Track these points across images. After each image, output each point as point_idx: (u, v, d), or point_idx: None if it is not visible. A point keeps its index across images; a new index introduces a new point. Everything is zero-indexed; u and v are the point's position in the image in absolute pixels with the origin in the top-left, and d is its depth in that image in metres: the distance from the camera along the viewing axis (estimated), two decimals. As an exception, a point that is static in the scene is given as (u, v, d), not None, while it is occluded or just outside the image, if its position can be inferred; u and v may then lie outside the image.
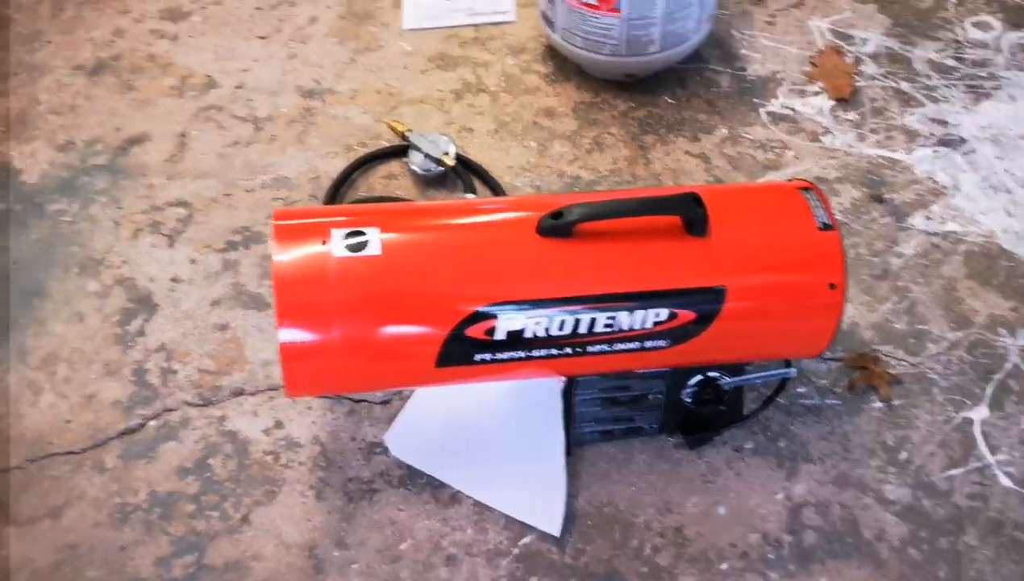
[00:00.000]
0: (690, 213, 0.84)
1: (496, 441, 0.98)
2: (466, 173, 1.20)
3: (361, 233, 0.83)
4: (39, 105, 1.35)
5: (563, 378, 0.92)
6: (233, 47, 1.40)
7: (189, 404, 1.05)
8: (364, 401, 1.04)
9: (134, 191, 1.24)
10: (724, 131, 1.28)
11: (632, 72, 1.28)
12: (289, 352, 0.82)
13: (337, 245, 0.82)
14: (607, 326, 0.84)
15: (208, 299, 1.14)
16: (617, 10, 1.18)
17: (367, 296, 0.82)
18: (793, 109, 1.31)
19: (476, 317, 0.82)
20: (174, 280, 1.16)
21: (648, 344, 0.86)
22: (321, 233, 0.83)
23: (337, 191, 1.21)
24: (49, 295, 1.15)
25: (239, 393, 1.06)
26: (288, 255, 0.83)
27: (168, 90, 1.35)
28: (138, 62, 1.39)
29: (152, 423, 1.04)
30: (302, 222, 0.86)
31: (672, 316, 0.84)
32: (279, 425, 1.03)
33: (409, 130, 1.23)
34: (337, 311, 0.81)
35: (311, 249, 0.83)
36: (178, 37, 1.42)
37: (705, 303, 0.85)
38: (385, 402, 1.04)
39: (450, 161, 1.20)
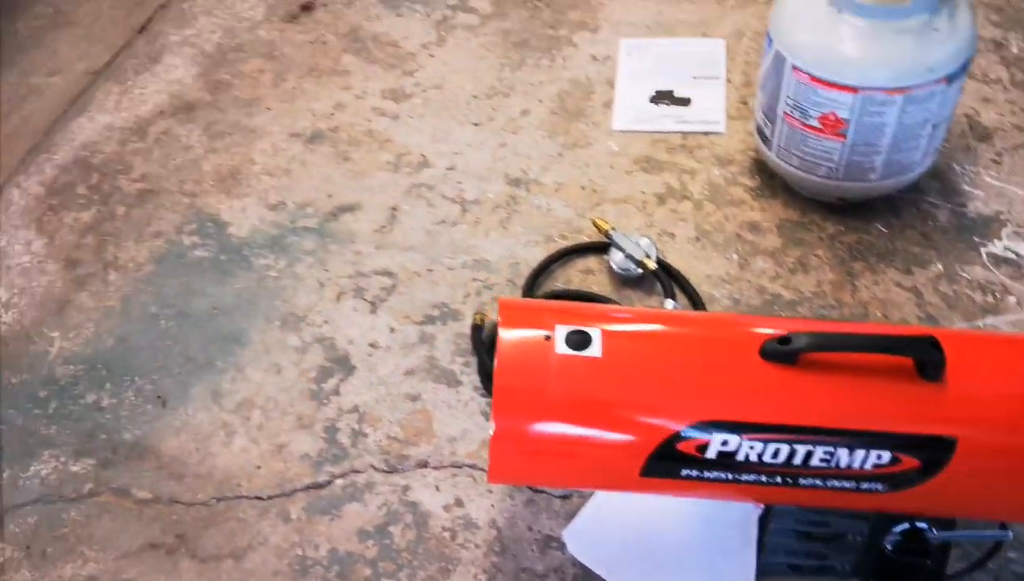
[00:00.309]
0: (927, 356, 0.80)
1: (680, 556, 0.95)
2: (667, 279, 1.20)
3: (584, 333, 0.84)
4: (253, 165, 1.43)
5: (762, 504, 0.89)
6: (449, 131, 1.46)
7: (376, 469, 1.08)
8: (544, 492, 1.04)
9: (341, 256, 1.30)
10: (939, 267, 1.24)
11: (846, 196, 1.26)
12: (500, 437, 0.83)
13: (560, 341, 0.83)
14: (823, 461, 0.81)
15: (403, 368, 1.17)
16: (843, 136, 1.17)
17: (585, 397, 0.82)
18: (1017, 254, 1.25)
19: (690, 433, 0.81)
20: (372, 345, 1.20)
21: (864, 486, 0.82)
22: (545, 326, 0.84)
23: (536, 280, 1.23)
24: (249, 343, 1.21)
25: (424, 465, 1.08)
26: (512, 343, 0.84)
27: (384, 164, 1.42)
28: (357, 136, 1.47)
29: (339, 481, 1.07)
30: (527, 312, 0.88)
31: (894, 461, 0.81)
32: (459, 503, 1.04)
33: (613, 229, 1.25)
34: (554, 407, 0.82)
35: (535, 340, 0.84)
36: (398, 116, 1.49)
37: (932, 452, 0.81)
38: (565, 496, 1.04)
39: (652, 264, 1.20)
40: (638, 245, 1.22)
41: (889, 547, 0.90)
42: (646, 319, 0.91)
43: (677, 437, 0.81)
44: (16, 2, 1.76)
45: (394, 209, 1.36)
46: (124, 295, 1.28)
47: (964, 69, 1.15)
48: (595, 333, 0.84)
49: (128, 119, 1.52)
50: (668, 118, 1.45)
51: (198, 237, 1.34)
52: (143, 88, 1.57)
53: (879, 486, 0.82)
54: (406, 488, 1.06)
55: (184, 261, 1.31)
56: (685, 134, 1.43)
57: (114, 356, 1.21)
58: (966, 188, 1.33)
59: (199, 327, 1.23)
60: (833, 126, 1.16)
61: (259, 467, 1.09)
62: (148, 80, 1.59)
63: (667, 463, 0.82)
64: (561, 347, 0.83)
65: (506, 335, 0.84)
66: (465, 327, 1.20)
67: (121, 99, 1.55)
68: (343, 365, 1.18)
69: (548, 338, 0.83)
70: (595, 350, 0.83)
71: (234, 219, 1.36)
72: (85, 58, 1.64)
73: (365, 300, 1.25)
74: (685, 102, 1.47)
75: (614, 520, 0.99)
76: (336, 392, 1.15)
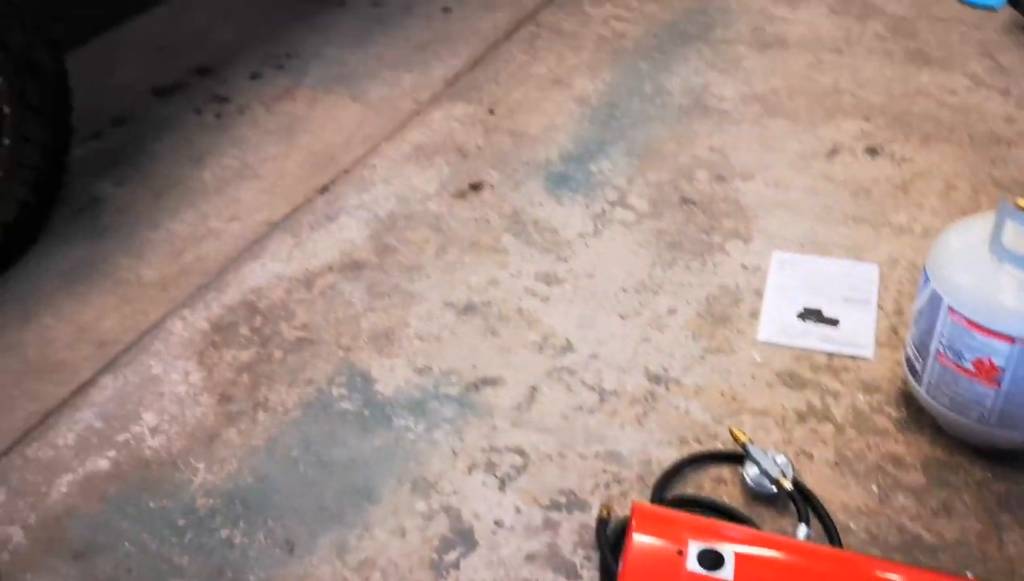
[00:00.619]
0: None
1: None
2: (802, 502, 1.17)
3: (718, 553, 0.83)
4: (407, 328, 1.51)
5: None
6: (595, 319, 1.51)
7: (484, 655, 1.07)
8: None
9: (478, 428, 1.34)
10: (1097, 532, 1.17)
11: (997, 443, 1.22)
12: (619, 649, 0.82)
13: (692, 557, 0.83)
14: None
15: (524, 552, 1.17)
16: (998, 383, 1.14)
17: (714, 620, 0.81)
18: None
19: (819, 677, 0.78)
20: (497, 523, 1.21)
21: None
22: (678, 540, 0.85)
23: (668, 482, 1.23)
24: (380, 501, 1.25)
25: (533, 659, 1.06)
26: (643, 552, 0.84)
27: (529, 343, 1.47)
28: (507, 312, 1.53)
29: (445, 663, 1.07)
30: (661, 522, 0.88)
31: None
32: None
33: (750, 441, 1.24)
34: (679, 625, 0.81)
35: (666, 553, 0.84)
36: (548, 299, 1.55)
37: None
38: None
39: (787, 484, 1.18)
40: (775, 462, 1.21)
41: None
42: (782, 548, 0.90)
43: (805, 681, 0.79)
44: (205, 152, 1.96)
45: (534, 388, 1.40)
46: (270, 436, 1.35)
47: None
48: (728, 555, 0.83)
49: (297, 270, 1.64)
50: (815, 336, 1.45)
51: (346, 390, 1.41)
52: (315, 243, 1.70)
53: None
54: (513, 679, 1.05)
55: (330, 411, 1.38)
56: (831, 354, 1.43)
57: (252, 494, 1.26)
58: None
59: (335, 477, 1.28)
60: (988, 372, 1.15)
61: (371, 631, 1.10)
62: (321, 236, 1.72)
63: None
64: (692, 564, 0.83)
65: (638, 542, 0.85)
66: (590, 518, 1.20)
67: (294, 251, 1.68)
68: (466, 539, 1.19)
69: (680, 553, 0.83)
70: (727, 573, 0.82)
71: (382, 377, 1.43)
72: (265, 209, 1.79)
73: (495, 476, 1.27)
74: (833, 322, 1.47)
75: None
76: (456, 566, 1.16)
